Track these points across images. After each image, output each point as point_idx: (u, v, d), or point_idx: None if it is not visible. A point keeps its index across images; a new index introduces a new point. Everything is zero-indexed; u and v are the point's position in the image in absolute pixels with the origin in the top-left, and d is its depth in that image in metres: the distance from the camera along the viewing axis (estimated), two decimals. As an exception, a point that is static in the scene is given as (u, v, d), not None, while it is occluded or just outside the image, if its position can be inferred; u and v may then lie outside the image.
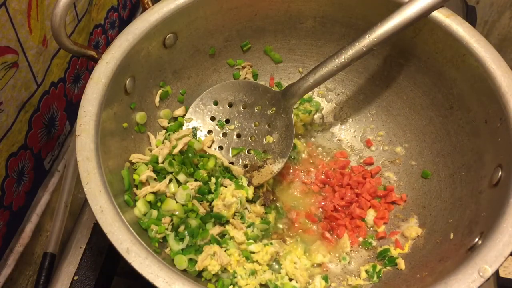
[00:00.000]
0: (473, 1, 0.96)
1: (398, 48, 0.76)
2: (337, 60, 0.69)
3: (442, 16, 0.69)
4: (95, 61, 0.67)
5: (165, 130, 0.76)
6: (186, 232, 0.66)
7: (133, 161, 0.69)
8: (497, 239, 0.54)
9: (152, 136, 0.74)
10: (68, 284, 0.70)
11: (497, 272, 0.69)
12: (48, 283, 0.70)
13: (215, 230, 0.67)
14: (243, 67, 0.83)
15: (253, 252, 0.66)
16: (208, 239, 0.66)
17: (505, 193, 0.57)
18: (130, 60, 0.68)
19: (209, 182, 0.71)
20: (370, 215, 0.73)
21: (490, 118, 0.65)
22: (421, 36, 0.72)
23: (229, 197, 0.68)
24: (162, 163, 0.70)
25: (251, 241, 0.67)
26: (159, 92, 0.75)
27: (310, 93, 0.85)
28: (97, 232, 0.70)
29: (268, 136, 0.75)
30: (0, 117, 0.61)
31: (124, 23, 0.94)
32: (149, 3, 0.74)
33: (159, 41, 0.72)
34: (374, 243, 0.71)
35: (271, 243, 0.68)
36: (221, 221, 0.68)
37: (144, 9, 0.73)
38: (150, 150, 0.72)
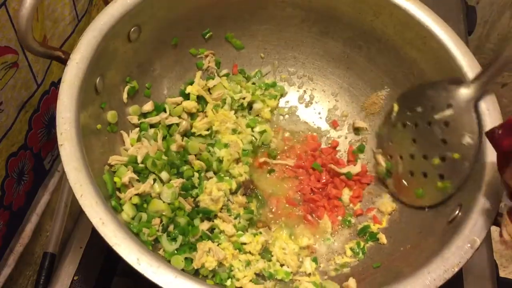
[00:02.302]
0: (473, 1, 0.99)
1: (357, 30, 0.78)
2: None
3: (401, -1, 0.73)
4: (63, 62, 0.63)
5: (138, 128, 0.73)
6: (177, 231, 0.65)
7: (112, 163, 0.66)
8: (477, 210, 0.58)
9: (125, 135, 0.71)
10: (68, 284, 0.69)
11: (497, 272, 0.75)
12: (48, 283, 0.69)
13: (204, 226, 0.67)
14: (206, 56, 0.82)
15: (245, 243, 0.67)
16: (199, 235, 0.66)
17: (476, 166, 0.62)
18: (99, 58, 0.64)
19: (192, 178, 0.70)
20: (346, 194, 0.77)
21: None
22: (381, 19, 0.75)
23: (215, 191, 0.68)
24: (142, 162, 0.68)
25: (240, 232, 0.68)
26: (127, 88, 0.72)
27: (273, 77, 0.86)
28: (97, 232, 0.68)
29: None
30: (0, 117, 0.60)
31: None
32: (111, -5, 0.70)
33: (124, 35, 0.69)
34: (353, 220, 0.75)
35: (260, 232, 0.69)
36: (209, 215, 0.68)
37: (106, 3, 0.69)
38: (126, 150, 0.70)
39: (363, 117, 0.83)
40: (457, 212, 0.62)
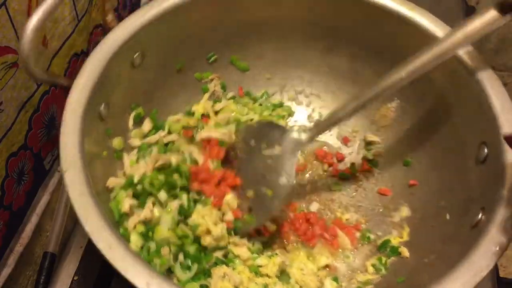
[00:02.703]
0: (473, 1, 0.99)
1: (363, 44, 0.78)
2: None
3: (405, 9, 0.72)
4: (66, 88, 0.62)
5: (136, 149, 0.72)
6: (188, 260, 0.63)
7: (110, 186, 0.65)
8: (501, 211, 0.56)
9: (125, 157, 0.70)
10: (68, 283, 0.68)
11: (497, 272, 0.72)
12: (48, 283, 0.68)
13: (218, 253, 0.65)
14: (211, 80, 0.81)
15: (261, 266, 0.65)
16: (213, 262, 0.64)
17: (496, 168, 0.60)
18: (103, 84, 0.64)
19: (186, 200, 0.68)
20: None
21: (465, 100, 0.68)
22: (385, 31, 0.74)
23: (212, 228, 0.66)
24: (139, 183, 0.66)
25: (255, 255, 0.66)
26: (132, 114, 0.72)
27: (279, 97, 0.85)
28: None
29: None
30: (0, 117, 0.60)
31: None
32: (113, 22, 0.71)
33: (128, 61, 0.69)
34: (373, 236, 0.72)
35: (276, 254, 0.67)
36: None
37: (108, 30, 0.70)
38: (124, 174, 0.69)
39: (374, 130, 0.81)
40: (480, 215, 0.59)
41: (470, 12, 0.94)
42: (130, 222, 0.63)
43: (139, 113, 0.72)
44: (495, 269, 0.72)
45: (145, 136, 0.73)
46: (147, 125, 0.74)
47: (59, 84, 0.63)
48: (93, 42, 0.80)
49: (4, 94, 0.60)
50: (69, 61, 0.74)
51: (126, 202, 0.63)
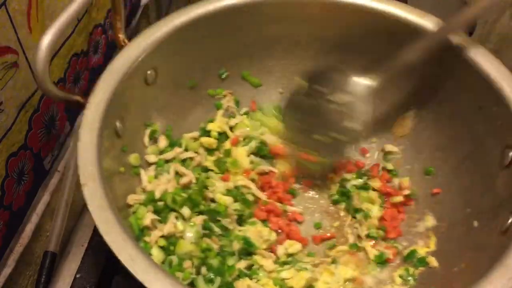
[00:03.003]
0: (473, 1, 0.99)
1: (376, 56, 0.77)
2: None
3: (417, 18, 0.72)
4: (81, 106, 0.62)
5: (154, 165, 0.71)
6: (211, 273, 0.61)
7: (130, 203, 0.64)
8: (532, 214, 0.54)
9: (142, 172, 0.69)
10: (70, 282, 0.68)
11: None
12: (49, 282, 0.67)
13: (241, 264, 0.63)
14: (224, 96, 0.81)
15: (286, 279, 0.63)
16: (236, 274, 0.62)
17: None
18: (117, 101, 0.63)
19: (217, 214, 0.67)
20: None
21: (484, 104, 0.67)
22: (396, 41, 0.73)
23: (265, 232, 0.66)
24: (160, 200, 0.66)
25: (279, 268, 0.64)
26: (148, 131, 0.71)
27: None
28: (98, 231, 0.66)
29: None
30: (0, 117, 0.59)
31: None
32: (125, 40, 0.71)
33: (141, 78, 0.69)
34: (400, 246, 0.70)
35: (306, 268, 0.65)
36: (251, 250, 0.65)
37: (121, 47, 0.70)
38: (143, 189, 0.68)
39: (392, 140, 0.79)
40: (510, 220, 0.57)
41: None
42: (152, 237, 0.62)
43: (154, 129, 0.72)
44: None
45: (161, 152, 0.73)
46: (162, 142, 0.73)
47: (75, 102, 0.62)
48: (93, 42, 0.80)
49: (4, 94, 0.59)
50: (69, 61, 0.74)
51: (148, 217, 0.62)
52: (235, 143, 0.77)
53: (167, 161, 0.72)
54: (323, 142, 0.68)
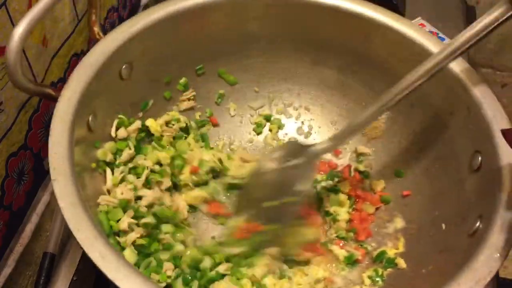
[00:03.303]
0: (473, 1, 0.99)
1: (351, 56, 0.78)
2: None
3: (391, 20, 0.73)
4: (54, 99, 0.60)
5: (122, 167, 0.68)
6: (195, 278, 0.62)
7: (101, 203, 0.63)
8: (500, 217, 0.55)
9: (108, 171, 0.66)
10: (67, 284, 0.67)
11: (497, 272, 0.71)
12: (48, 283, 0.67)
13: (222, 267, 0.63)
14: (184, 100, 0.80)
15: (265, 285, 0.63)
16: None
17: (492, 175, 0.60)
18: (90, 95, 0.62)
19: None
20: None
21: (455, 109, 0.68)
22: (373, 42, 0.75)
23: None
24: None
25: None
26: (115, 122, 0.69)
27: (268, 111, 0.85)
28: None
29: None
30: (0, 117, 0.59)
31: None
32: (100, 33, 0.69)
33: (116, 72, 0.68)
34: (369, 247, 0.71)
35: (289, 277, 0.65)
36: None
37: (96, 40, 0.68)
38: (108, 191, 0.66)
39: (365, 142, 0.80)
40: (477, 224, 0.58)
41: (470, 12, 0.95)
42: (128, 238, 0.61)
43: (121, 118, 0.70)
44: (496, 269, 0.71)
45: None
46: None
47: (47, 95, 0.61)
48: (93, 42, 0.78)
49: (4, 94, 0.59)
50: (69, 61, 0.74)
51: (125, 221, 0.62)
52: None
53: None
54: (272, 208, 0.69)
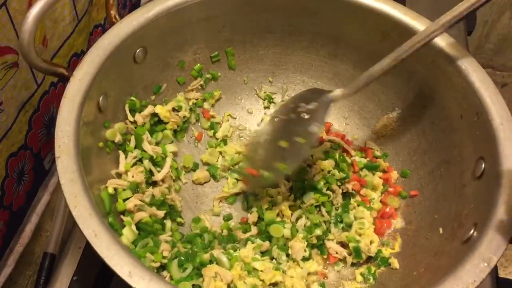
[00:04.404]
0: None
1: (366, 52, 0.77)
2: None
3: (408, 18, 0.72)
4: (66, 79, 0.63)
5: (134, 151, 0.70)
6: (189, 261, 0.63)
7: (110, 187, 0.65)
8: (493, 227, 0.55)
9: (122, 156, 0.68)
10: (67, 284, 0.68)
11: (496, 272, 0.71)
12: (47, 283, 0.68)
13: (216, 251, 0.65)
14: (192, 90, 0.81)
15: (259, 270, 0.65)
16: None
17: (492, 184, 0.59)
18: (102, 76, 0.64)
19: None
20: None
21: (466, 113, 0.67)
22: (389, 39, 0.74)
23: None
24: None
25: (256, 257, 0.66)
26: (127, 104, 0.71)
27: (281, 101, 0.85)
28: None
29: None
30: (0, 117, 0.60)
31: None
32: (117, 17, 0.71)
33: (130, 56, 0.69)
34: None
35: (284, 270, 0.67)
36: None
37: (112, 23, 0.70)
38: (119, 174, 0.67)
39: (375, 139, 0.80)
40: (472, 231, 0.58)
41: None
42: (136, 216, 0.64)
43: (132, 100, 0.71)
44: (495, 269, 0.71)
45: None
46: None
47: (59, 74, 0.63)
48: (93, 42, 0.80)
49: (4, 94, 0.60)
50: (69, 61, 0.75)
51: (132, 201, 0.64)
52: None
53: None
54: (285, 148, 0.69)
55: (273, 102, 0.85)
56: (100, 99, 0.65)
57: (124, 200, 0.65)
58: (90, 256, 0.70)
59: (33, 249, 0.73)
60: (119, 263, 0.50)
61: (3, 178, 0.63)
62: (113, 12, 0.71)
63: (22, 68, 0.62)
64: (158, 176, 0.71)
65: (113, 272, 0.49)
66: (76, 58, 0.76)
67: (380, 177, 0.76)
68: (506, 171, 0.59)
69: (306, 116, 0.69)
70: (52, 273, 0.70)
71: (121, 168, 0.68)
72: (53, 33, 0.69)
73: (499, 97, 0.64)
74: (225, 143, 0.80)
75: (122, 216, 0.64)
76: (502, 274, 0.73)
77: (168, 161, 0.72)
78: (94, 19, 0.80)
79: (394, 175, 0.77)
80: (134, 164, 0.70)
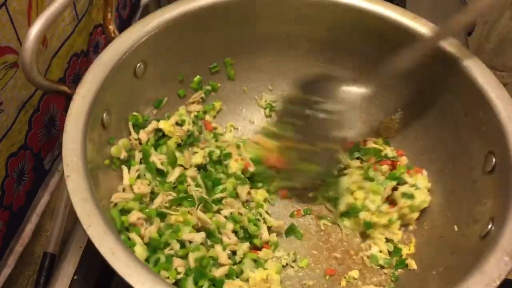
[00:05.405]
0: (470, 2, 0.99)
1: (364, 56, 0.77)
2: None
3: (407, 19, 0.72)
4: (69, 96, 0.62)
5: (138, 165, 0.70)
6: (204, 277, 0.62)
7: (115, 201, 0.64)
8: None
9: (125, 171, 0.68)
10: (68, 284, 0.67)
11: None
12: (48, 283, 0.67)
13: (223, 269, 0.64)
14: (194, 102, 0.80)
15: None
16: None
17: (506, 177, 0.59)
18: (105, 92, 0.63)
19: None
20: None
21: (470, 110, 0.68)
22: (388, 42, 0.73)
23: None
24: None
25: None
26: (130, 120, 0.70)
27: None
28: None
29: None
30: (0, 117, 0.60)
31: (124, 23, 0.92)
32: (115, 32, 0.70)
33: (130, 70, 0.69)
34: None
35: None
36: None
37: (111, 39, 0.69)
38: (123, 189, 0.67)
39: (381, 143, 0.80)
40: (489, 226, 0.58)
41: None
42: (145, 232, 0.63)
43: (135, 116, 0.71)
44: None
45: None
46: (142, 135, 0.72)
47: (61, 92, 0.62)
48: (93, 42, 0.80)
49: (4, 94, 0.60)
50: (69, 61, 0.74)
51: (134, 215, 0.62)
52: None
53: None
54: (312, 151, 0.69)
55: (274, 111, 0.84)
56: (104, 115, 0.64)
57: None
58: (90, 255, 0.70)
59: (33, 249, 0.72)
60: (140, 280, 0.48)
61: (3, 178, 0.63)
62: (111, 27, 0.70)
63: (24, 75, 0.61)
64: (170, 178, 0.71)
65: (114, 272, 0.48)
66: (76, 58, 0.76)
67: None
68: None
69: (334, 118, 0.68)
70: (52, 273, 0.69)
71: (125, 182, 0.67)
72: (53, 33, 0.68)
73: (504, 92, 0.65)
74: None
75: (127, 233, 0.62)
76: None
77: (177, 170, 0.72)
78: (94, 19, 0.79)
79: (404, 160, 0.77)
80: (138, 177, 0.69)
